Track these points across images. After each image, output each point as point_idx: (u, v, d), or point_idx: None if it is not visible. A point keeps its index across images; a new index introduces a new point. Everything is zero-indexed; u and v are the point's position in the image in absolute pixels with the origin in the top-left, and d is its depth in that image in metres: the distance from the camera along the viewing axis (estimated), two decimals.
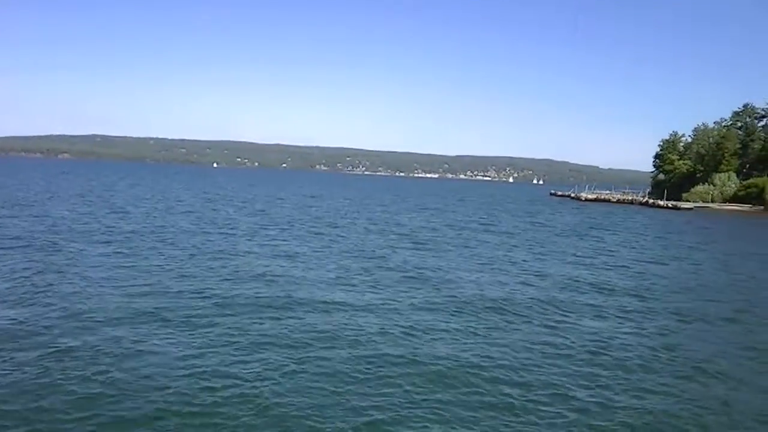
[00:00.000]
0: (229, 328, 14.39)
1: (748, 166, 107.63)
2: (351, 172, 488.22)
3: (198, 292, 17.70)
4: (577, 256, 31.49)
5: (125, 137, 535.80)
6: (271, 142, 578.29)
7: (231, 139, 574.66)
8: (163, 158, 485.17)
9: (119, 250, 24.55)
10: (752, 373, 13.47)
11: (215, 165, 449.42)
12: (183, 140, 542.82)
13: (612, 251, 34.43)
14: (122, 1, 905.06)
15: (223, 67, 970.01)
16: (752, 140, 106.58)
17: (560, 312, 18.17)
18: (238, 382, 11.00)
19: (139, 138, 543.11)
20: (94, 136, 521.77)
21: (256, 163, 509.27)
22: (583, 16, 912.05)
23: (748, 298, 22.19)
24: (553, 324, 16.67)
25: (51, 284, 17.60)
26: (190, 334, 13.63)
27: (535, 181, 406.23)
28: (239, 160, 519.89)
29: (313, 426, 9.50)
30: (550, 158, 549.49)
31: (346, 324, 15.18)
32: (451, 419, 10.13)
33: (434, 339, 14.61)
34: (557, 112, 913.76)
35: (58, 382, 10.53)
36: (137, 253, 24.08)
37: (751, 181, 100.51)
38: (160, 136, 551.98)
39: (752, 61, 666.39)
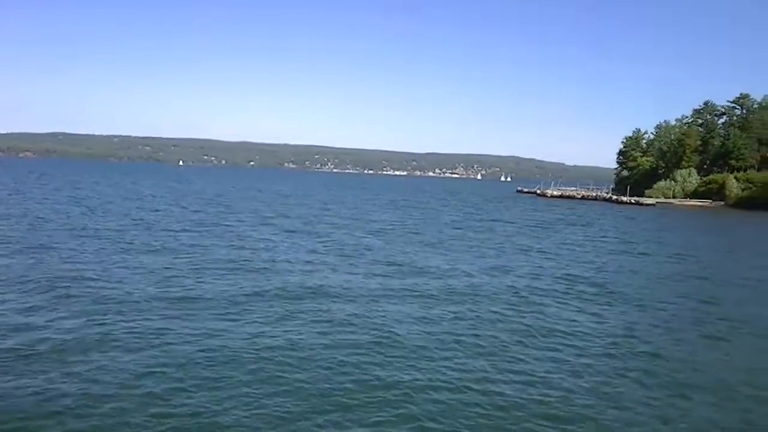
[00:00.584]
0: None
1: (708, 162, 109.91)
2: (320, 170, 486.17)
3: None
4: (540, 251, 31.95)
5: (90, 135, 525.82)
6: (239, 140, 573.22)
7: (198, 136, 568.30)
8: (128, 156, 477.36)
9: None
10: (702, 355, 14.09)
11: (181, 163, 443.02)
12: (148, 138, 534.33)
13: (571, 245, 34.85)
14: None
15: (189, 63, 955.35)
16: (712, 137, 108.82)
17: (524, 300, 19.00)
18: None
19: (103, 136, 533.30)
20: (58, 134, 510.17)
21: (224, 161, 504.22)
22: (549, 12, 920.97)
23: (703, 289, 22.81)
24: (516, 311, 17.43)
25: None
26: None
27: (503, 178, 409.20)
28: (206, 158, 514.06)
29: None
30: (517, 155, 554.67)
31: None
32: (418, 400, 10.52)
33: (399, 323, 15.29)
34: (524, 110, 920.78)
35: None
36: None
37: (711, 177, 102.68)
38: (125, 134, 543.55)
39: (715, 59, 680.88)
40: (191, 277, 19.89)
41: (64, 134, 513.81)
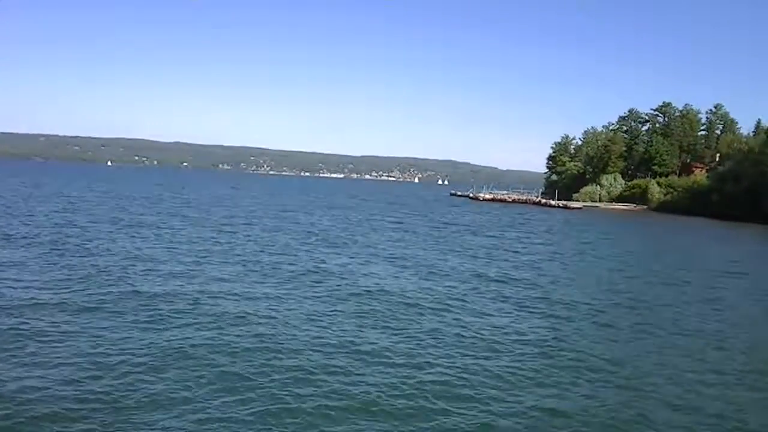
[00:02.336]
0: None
1: (633, 168, 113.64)
2: (255, 172, 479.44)
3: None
4: (468, 252, 32.08)
5: (11, 133, 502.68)
6: (171, 140, 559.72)
7: (128, 136, 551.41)
8: (54, 156, 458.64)
9: None
10: (621, 349, 14.59)
11: (109, 163, 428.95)
12: (76, 137, 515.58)
13: (497, 247, 34.87)
14: None
15: (120, 60, 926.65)
16: (636, 143, 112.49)
17: (454, 299, 19.39)
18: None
19: (27, 134, 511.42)
20: None
21: (155, 162, 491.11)
22: (485, 14, 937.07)
23: (623, 288, 23.48)
24: (449, 310, 17.90)
25: None
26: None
27: (440, 182, 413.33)
28: (137, 158, 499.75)
29: None
30: (453, 159, 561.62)
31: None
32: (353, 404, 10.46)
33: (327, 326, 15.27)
34: (460, 114, 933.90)
35: None
36: None
37: (635, 182, 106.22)
38: (52, 133, 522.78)
39: (641, 66, 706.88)
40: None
41: None
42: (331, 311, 16.88)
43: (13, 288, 17.35)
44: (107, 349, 12.49)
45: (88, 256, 23.67)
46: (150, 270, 21.38)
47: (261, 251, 28.08)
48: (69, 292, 17.29)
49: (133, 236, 30.98)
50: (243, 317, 15.55)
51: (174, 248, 27.29)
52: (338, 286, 20.53)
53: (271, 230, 38.50)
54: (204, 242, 30.23)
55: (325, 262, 25.55)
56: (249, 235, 34.53)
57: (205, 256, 25.34)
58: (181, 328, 14.31)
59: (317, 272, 23.01)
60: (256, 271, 22.69)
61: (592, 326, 16.87)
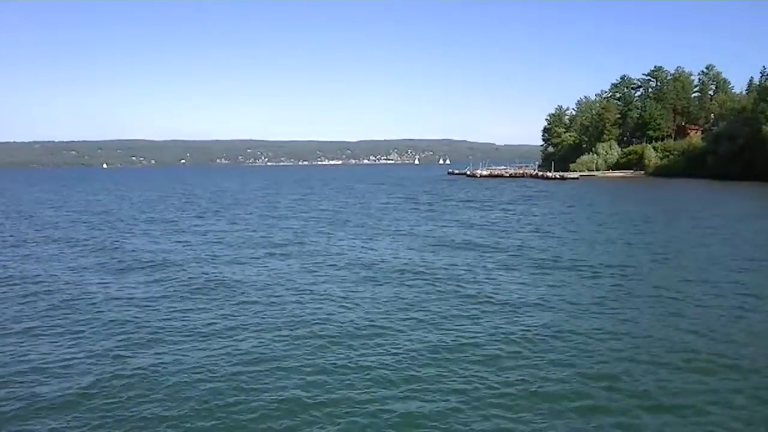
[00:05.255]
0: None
1: (628, 134, 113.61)
2: (253, 164, 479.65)
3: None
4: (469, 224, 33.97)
5: (7, 142, 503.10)
6: (168, 138, 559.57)
7: (124, 137, 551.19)
8: (52, 162, 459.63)
9: None
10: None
11: (105, 166, 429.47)
12: (72, 142, 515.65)
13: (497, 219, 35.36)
14: None
15: (111, 61, 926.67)
16: (630, 110, 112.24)
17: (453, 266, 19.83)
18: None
19: (23, 143, 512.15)
20: None
21: (153, 161, 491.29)
22: None
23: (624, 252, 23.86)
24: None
25: None
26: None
27: (441, 162, 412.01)
28: (134, 159, 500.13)
29: None
30: (450, 138, 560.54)
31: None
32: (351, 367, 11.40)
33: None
34: (453, 92, 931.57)
35: None
36: None
37: (631, 148, 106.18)
38: (47, 140, 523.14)
39: (630, 33, 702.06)
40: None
41: None
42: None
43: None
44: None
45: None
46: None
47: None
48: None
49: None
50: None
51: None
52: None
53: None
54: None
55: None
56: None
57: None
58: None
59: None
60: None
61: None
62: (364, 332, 13.88)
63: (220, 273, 21.01)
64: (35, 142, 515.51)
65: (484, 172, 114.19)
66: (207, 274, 20.90)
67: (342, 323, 14.55)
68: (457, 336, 13.48)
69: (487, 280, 19.30)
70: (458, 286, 18.49)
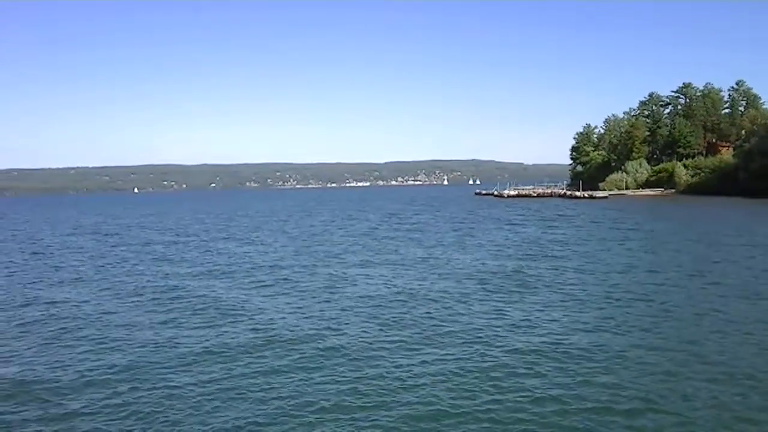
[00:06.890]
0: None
1: (657, 152, 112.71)
2: (282, 187, 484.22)
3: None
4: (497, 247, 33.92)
5: (44, 169, 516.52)
6: (198, 163, 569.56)
7: (156, 162, 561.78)
8: (86, 188, 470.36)
9: None
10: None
11: (136, 190, 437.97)
12: (105, 167, 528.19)
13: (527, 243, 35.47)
14: (30, 21, 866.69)
15: (142, 88, 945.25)
16: (659, 127, 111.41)
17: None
18: None
19: (59, 169, 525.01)
20: (11, 170, 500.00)
21: (184, 185, 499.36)
22: (503, 15, 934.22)
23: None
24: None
25: None
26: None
27: (471, 182, 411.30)
28: (166, 183, 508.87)
29: None
30: (477, 158, 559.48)
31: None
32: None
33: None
34: (481, 112, 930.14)
35: None
36: None
37: (660, 166, 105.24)
38: (82, 165, 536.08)
39: (656, 50, 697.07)
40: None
41: (18, 170, 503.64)
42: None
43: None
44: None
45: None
46: None
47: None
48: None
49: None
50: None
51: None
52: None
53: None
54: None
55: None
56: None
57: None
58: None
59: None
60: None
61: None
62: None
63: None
64: (70, 168, 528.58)
65: (512, 192, 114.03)
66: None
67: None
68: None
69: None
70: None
